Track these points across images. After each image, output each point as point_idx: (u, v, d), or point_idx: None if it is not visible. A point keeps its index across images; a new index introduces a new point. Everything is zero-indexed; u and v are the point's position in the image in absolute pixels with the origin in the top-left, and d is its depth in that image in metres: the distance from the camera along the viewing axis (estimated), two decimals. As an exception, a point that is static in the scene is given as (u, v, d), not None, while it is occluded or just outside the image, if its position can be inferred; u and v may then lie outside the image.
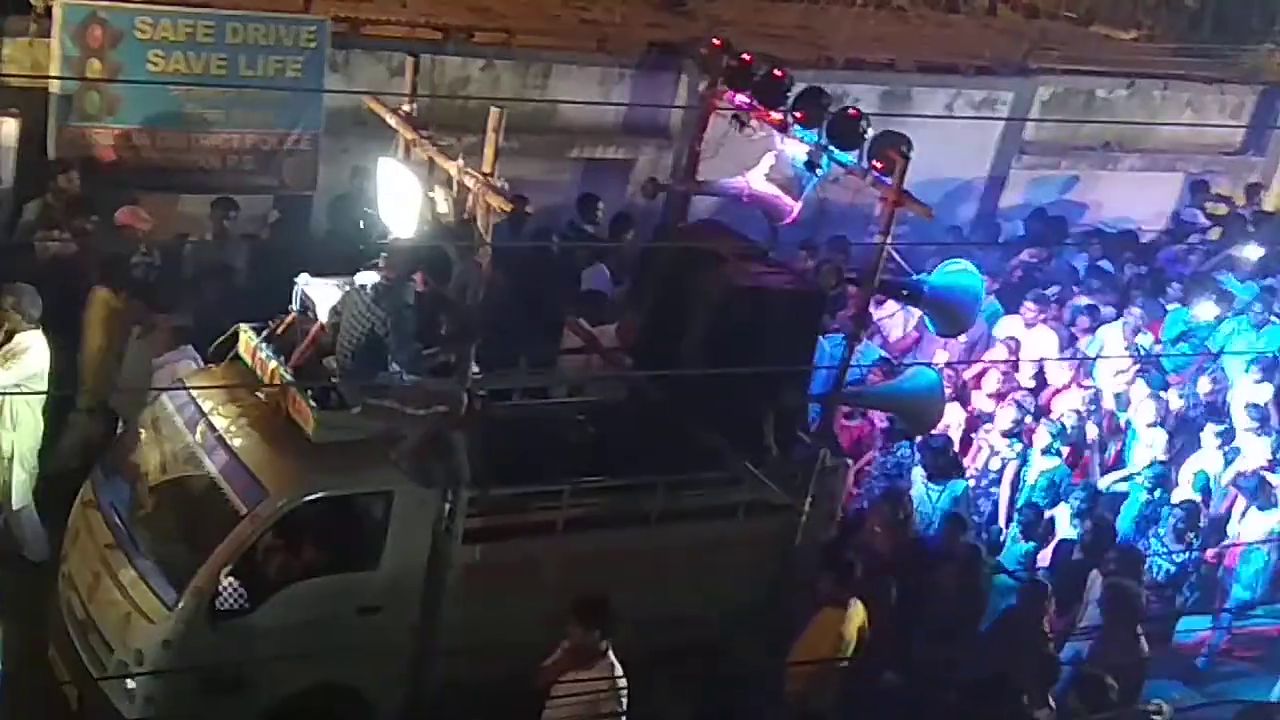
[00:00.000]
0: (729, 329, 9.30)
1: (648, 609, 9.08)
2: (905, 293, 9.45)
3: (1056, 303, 13.99)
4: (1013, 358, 12.52)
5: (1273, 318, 14.27)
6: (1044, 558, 11.50)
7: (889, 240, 9.06)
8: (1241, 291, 14.77)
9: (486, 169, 8.66)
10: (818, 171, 9.33)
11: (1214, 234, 17.25)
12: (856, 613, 9.02)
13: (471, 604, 8.80)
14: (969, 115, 16.86)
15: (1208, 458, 12.42)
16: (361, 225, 10.39)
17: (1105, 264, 15.56)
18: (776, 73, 9.52)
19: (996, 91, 17.23)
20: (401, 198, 8.96)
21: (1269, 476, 12.09)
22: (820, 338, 10.12)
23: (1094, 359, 13.15)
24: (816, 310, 9.60)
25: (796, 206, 9.79)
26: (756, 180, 9.87)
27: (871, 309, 10.34)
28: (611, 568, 9.04)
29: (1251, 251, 15.61)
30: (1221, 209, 17.70)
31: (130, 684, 8.18)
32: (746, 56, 9.80)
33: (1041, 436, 11.61)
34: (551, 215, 14.71)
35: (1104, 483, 12.22)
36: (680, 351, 9.40)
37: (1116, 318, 13.88)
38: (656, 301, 9.86)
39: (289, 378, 8.65)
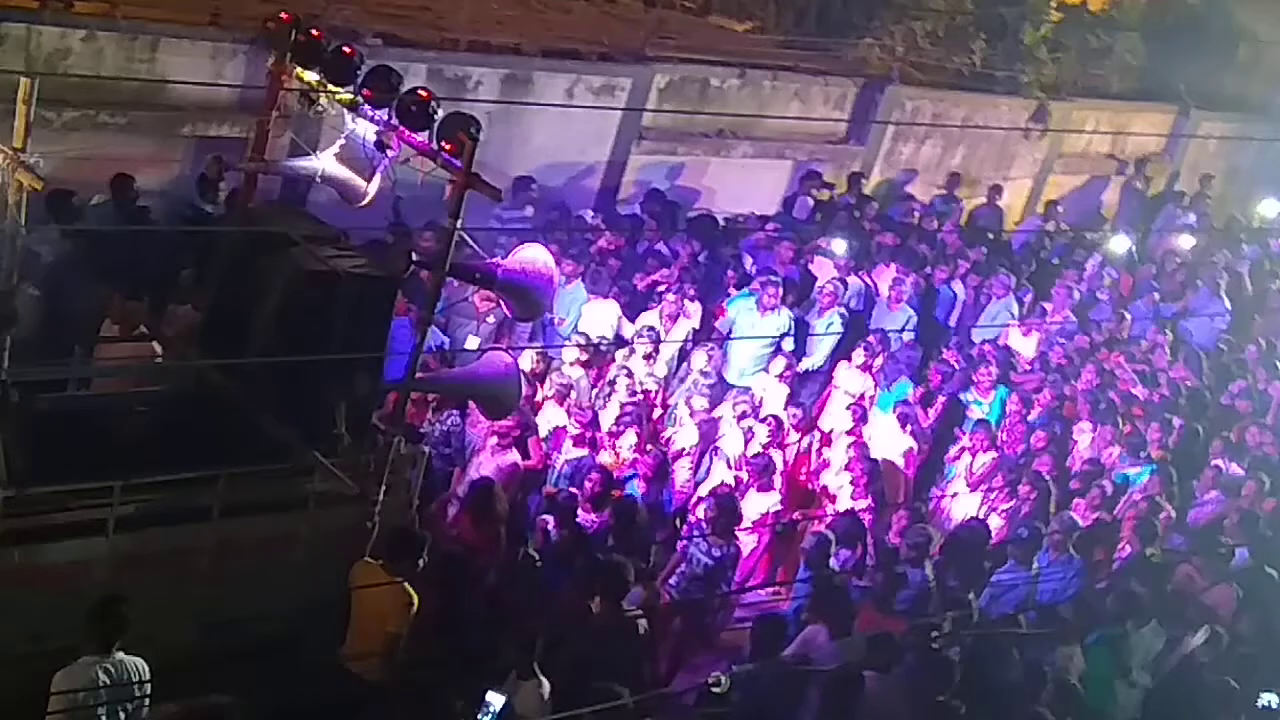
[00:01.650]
0: (298, 314, 8.46)
1: (214, 607, 8.24)
2: (478, 277, 8.76)
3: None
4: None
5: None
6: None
7: (460, 223, 8.34)
8: None
9: (18, 144, 7.60)
10: (388, 153, 8.57)
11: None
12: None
13: (13, 612, 7.73)
14: (589, 102, 16.44)
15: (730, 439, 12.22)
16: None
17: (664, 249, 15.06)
18: (345, 50, 8.69)
19: (616, 78, 16.80)
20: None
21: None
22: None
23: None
24: (389, 295, 8.82)
25: (370, 188, 8.97)
26: (329, 161, 9.02)
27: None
28: (172, 566, 8.13)
29: (839, 244, 15.44)
30: (825, 194, 17.76)
31: None
32: (315, 32, 8.93)
33: (572, 426, 11.19)
34: (165, 195, 13.67)
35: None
36: (248, 338, 8.51)
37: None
38: (223, 286, 8.94)
39: None
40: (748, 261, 15.01)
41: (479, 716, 8.00)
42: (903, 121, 19.09)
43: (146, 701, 7.51)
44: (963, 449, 12.88)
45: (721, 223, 16.47)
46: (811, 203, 17.34)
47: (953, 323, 15.85)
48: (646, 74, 16.94)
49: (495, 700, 7.99)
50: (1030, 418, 13.67)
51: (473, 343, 11.44)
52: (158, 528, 8.14)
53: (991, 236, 18.58)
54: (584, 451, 11.22)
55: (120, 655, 7.47)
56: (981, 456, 12.61)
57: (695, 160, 17.82)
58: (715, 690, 8.33)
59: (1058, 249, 19.15)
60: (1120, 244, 18.39)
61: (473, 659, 8.26)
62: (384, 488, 8.66)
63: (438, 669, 8.26)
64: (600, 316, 12.90)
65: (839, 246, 15.04)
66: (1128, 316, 16.72)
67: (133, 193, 13.05)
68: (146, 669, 7.52)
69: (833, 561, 10.58)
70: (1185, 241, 19.43)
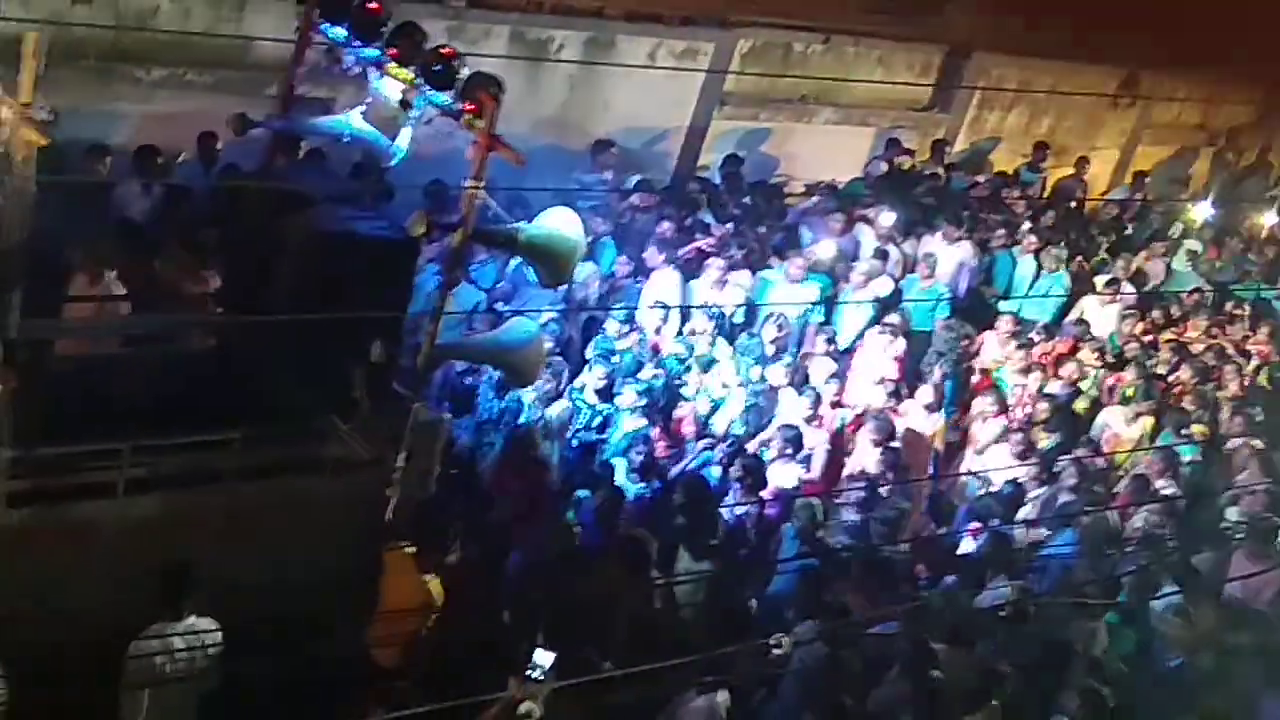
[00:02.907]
0: (315, 276, 7.76)
1: (224, 572, 7.59)
2: (501, 241, 7.99)
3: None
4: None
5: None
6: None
7: (482, 185, 7.56)
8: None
9: (25, 98, 6.94)
10: (410, 112, 7.81)
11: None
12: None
13: (20, 573, 7.17)
14: (671, 65, 15.59)
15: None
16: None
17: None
18: (372, 5, 7.92)
19: (698, 42, 15.91)
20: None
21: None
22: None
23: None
24: (409, 258, 8.07)
25: (395, 148, 8.21)
26: (357, 120, 8.28)
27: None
28: (182, 529, 7.50)
29: (885, 216, 14.20)
30: (907, 162, 16.69)
31: None
32: (342, -14, 8.15)
33: (628, 396, 10.31)
34: (247, 153, 13.15)
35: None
36: (265, 299, 7.84)
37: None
38: (241, 246, 8.27)
39: None
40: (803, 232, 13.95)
41: (527, 674, 7.29)
42: (989, 87, 17.90)
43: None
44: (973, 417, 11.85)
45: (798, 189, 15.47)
46: (885, 168, 16.24)
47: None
48: (729, 38, 16.04)
49: (544, 659, 7.27)
50: (1050, 389, 12.59)
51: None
52: (168, 491, 7.50)
53: (1074, 206, 17.35)
54: (643, 423, 10.41)
55: (192, 619, 7.11)
56: (992, 423, 11.57)
57: (777, 126, 16.91)
58: (776, 651, 7.58)
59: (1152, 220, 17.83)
60: (1201, 213, 17.00)
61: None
62: (403, 454, 7.94)
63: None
64: (662, 286, 12.02)
65: (885, 216, 13.90)
66: (1206, 289, 15.42)
67: (216, 151, 12.60)
68: (218, 630, 7.14)
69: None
70: (1269, 217, 17.98)
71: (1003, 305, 14.07)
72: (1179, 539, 10.52)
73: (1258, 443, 12.29)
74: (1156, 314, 14.78)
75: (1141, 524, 10.67)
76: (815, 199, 14.53)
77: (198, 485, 7.60)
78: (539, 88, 14.89)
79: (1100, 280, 14.82)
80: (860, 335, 12.65)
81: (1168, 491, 11.13)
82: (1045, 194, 18.01)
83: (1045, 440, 11.56)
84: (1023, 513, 10.77)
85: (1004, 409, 11.86)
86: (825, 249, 12.80)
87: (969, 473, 11.46)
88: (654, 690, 7.76)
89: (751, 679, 8.09)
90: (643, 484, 9.93)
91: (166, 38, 12.89)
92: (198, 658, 7.16)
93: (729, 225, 13.37)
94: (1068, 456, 11.34)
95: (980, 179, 16.97)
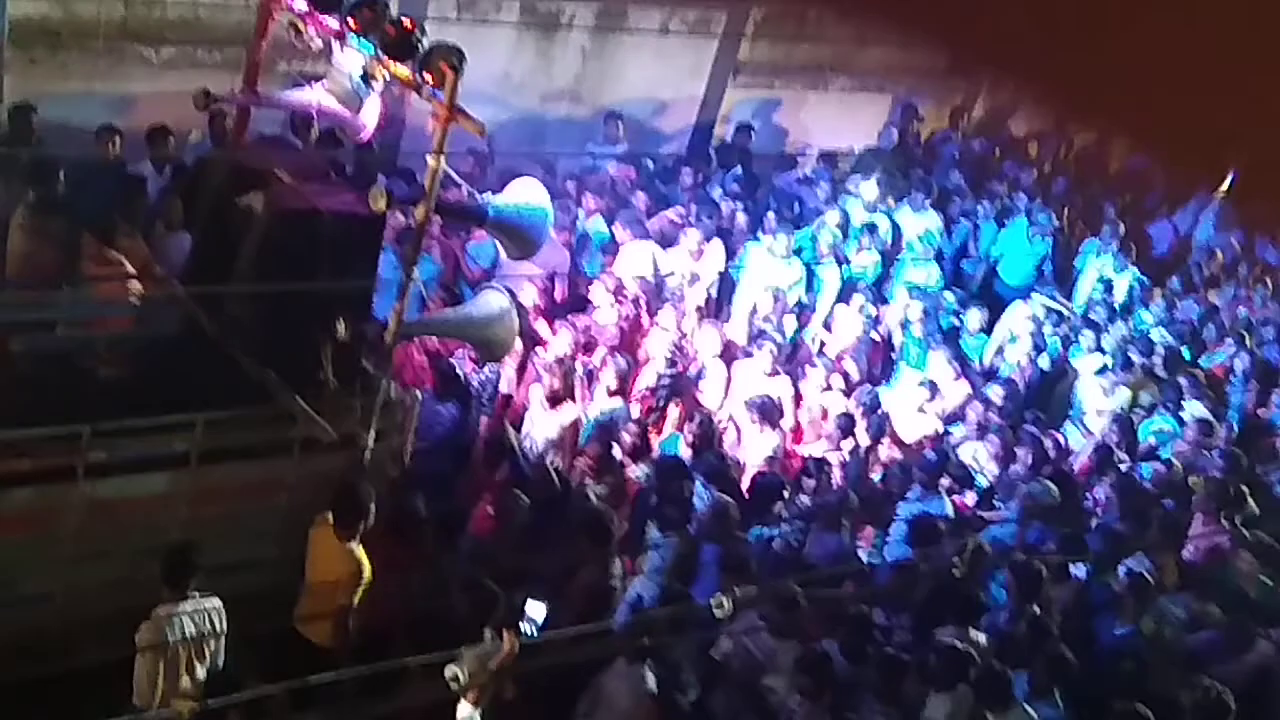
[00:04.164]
0: (278, 253, 7.37)
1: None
2: (467, 215, 7.54)
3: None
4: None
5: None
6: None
7: (443, 156, 7.10)
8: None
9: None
10: (373, 85, 7.37)
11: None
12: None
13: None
14: (684, 36, 15.04)
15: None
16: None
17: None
18: (331, -25, 7.47)
19: (711, 11, 15.32)
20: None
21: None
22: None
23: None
24: (375, 234, 7.64)
25: (362, 122, 7.78)
26: (320, 94, 7.85)
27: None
28: (146, 515, 7.16)
29: (869, 188, 13.25)
30: (917, 129, 16.02)
31: None
32: (303, -43, 7.71)
33: (608, 375, 9.75)
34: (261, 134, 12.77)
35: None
36: (229, 277, 7.45)
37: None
38: (205, 223, 7.88)
39: None
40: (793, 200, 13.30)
41: (521, 626, 6.81)
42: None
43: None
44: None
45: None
46: (897, 136, 15.60)
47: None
48: (742, 6, 15.41)
49: (536, 612, 6.80)
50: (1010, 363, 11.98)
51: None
52: (131, 474, 7.14)
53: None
54: (619, 403, 9.86)
55: (197, 598, 6.78)
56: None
57: (793, 95, 16.26)
58: (716, 613, 7.06)
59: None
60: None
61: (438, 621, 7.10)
62: (374, 434, 7.54)
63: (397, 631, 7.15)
64: (637, 259, 11.45)
65: (867, 187, 13.20)
66: (1220, 255, 14.67)
67: (226, 130, 12.22)
68: (222, 607, 6.82)
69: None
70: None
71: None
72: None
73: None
74: (1175, 280, 14.03)
75: (1104, 495, 10.09)
76: (808, 169, 13.90)
77: (162, 468, 7.24)
78: (551, 61, 14.43)
79: (1098, 244, 14.05)
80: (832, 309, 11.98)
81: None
82: (1066, 156, 17.27)
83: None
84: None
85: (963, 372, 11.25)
86: (815, 219, 12.20)
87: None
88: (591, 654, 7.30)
89: (691, 644, 7.61)
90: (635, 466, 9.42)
91: (175, 16, 12.50)
92: (206, 634, 6.83)
93: (726, 198, 12.81)
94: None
95: (974, 144, 16.19)
